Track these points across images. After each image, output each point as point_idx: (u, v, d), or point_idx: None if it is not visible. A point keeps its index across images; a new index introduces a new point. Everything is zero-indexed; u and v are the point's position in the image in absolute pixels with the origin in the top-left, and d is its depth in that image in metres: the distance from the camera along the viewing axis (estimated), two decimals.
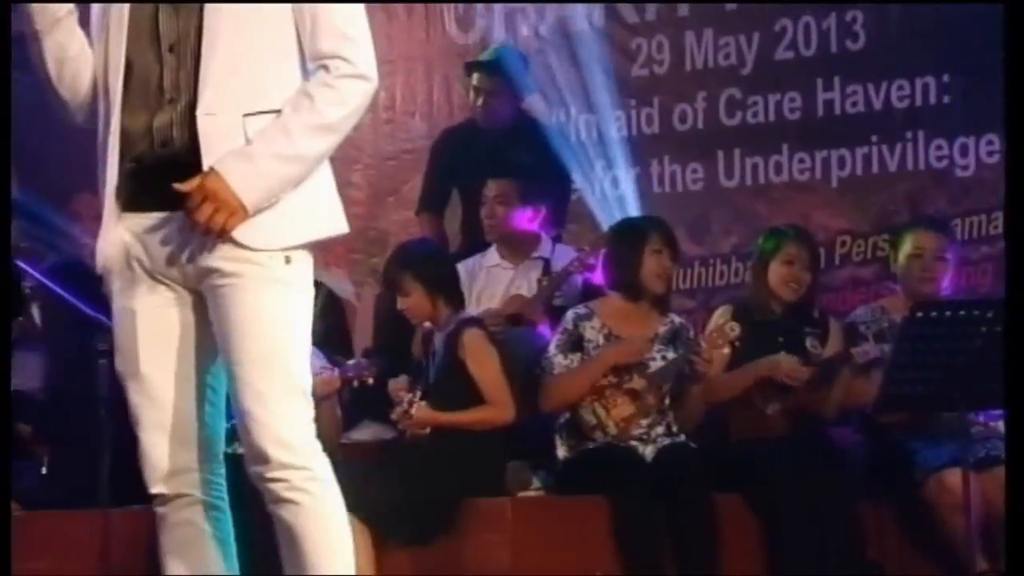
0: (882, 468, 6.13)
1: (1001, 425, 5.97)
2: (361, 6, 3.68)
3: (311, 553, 3.57)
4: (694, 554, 5.84)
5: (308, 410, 3.62)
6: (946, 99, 7.13)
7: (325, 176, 3.69)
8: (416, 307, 6.18)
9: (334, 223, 3.70)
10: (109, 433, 6.17)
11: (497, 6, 8.23)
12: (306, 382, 3.64)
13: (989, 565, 5.74)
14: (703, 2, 7.64)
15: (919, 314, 5.70)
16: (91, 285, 5.94)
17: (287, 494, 3.54)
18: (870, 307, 6.41)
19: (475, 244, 7.13)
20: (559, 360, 6.18)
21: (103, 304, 5.88)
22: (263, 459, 3.53)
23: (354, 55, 3.61)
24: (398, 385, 6.12)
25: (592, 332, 6.19)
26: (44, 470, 6.94)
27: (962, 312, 5.67)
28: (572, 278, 6.83)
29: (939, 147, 7.16)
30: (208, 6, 3.58)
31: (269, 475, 3.54)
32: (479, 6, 8.26)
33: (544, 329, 6.60)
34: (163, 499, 3.67)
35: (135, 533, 6.00)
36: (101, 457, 6.10)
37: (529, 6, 8.09)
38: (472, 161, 7.26)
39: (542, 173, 7.25)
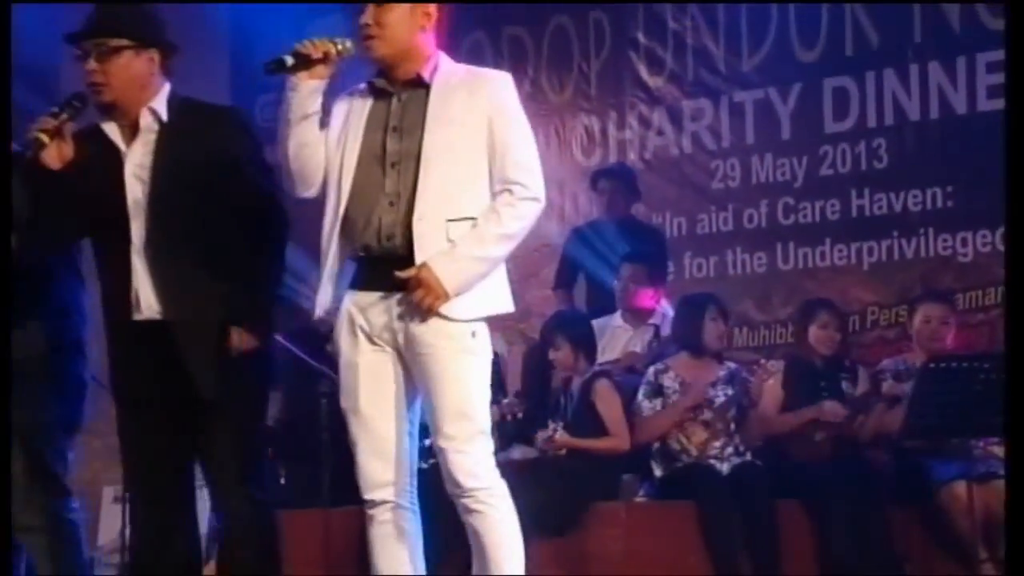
0: (905, 481, 6.02)
1: (996, 447, 5.94)
2: (533, 142, 3.73)
3: (491, 547, 3.62)
4: (761, 545, 5.79)
5: (488, 445, 3.65)
6: (950, 204, 7.00)
7: (501, 268, 3.74)
8: (563, 359, 6.21)
9: (505, 303, 3.74)
10: (329, 453, 6.29)
11: (612, 138, 8.14)
12: (486, 424, 3.66)
13: (988, 554, 5.70)
14: None
15: (932, 365, 5.70)
16: (316, 345, 6.13)
17: (474, 506, 3.60)
18: (893, 359, 6.40)
19: (598, 311, 7.07)
20: (645, 404, 6.18)
21: (324, 359, 6.06)
22: (456, 485, 3.59)
23: (530, 181, 3.66)
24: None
25: (669, 381, 6.18)
26: (282, 480, 6.98)
27: (964, 364, 5.65)
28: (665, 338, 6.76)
29: (945, 240, 7.03)
30: (426, 136, 3.62)
31: (461, 495, 3.60)
32: (598, 138, 8.19)
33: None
34: (372, 504, 3.72)
35: (348, 526, 6.05)
36: (323, 470, 6.22)
37: (636, 138, 8.03)
38: (591, 250, 7.33)
39: (657, 261, 7.22)
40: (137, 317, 3.94)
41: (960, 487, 5.68)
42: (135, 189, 3.90)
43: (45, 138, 3.81)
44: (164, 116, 3.94)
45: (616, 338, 6.88)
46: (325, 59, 3.65)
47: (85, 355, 4.37)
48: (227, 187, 3.92)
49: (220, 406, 3.94)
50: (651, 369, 6.31)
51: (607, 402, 6.11)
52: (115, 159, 3.92)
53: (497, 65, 7.57)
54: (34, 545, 4.19)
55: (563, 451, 6.02)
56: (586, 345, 6.28)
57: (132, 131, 3.93)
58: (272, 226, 4.02)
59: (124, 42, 3.89)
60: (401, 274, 3.57)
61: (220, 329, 3.94)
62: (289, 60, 3.63)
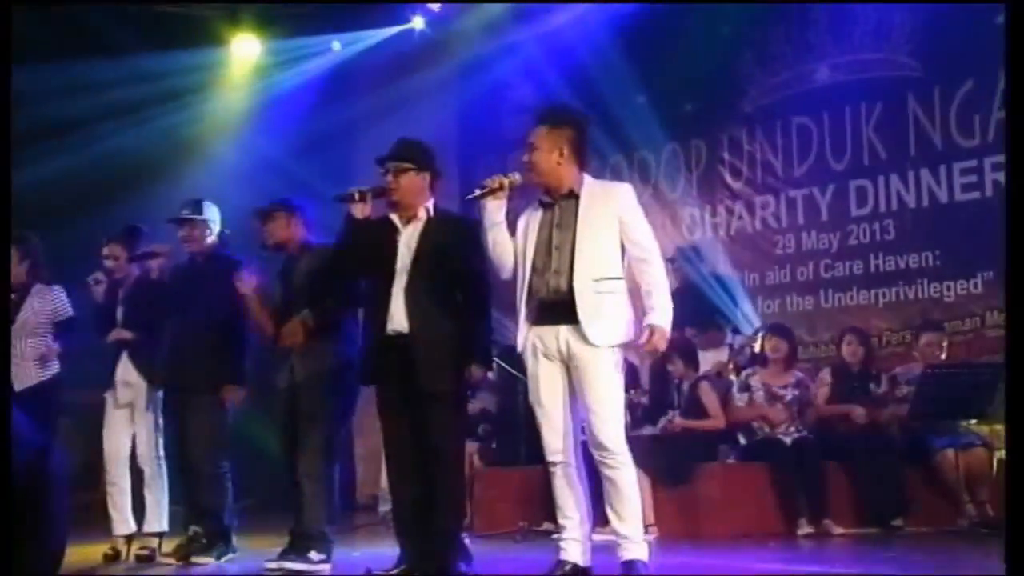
0: (911, 449, 5.89)
1: (974, 425, 5.85)
2: (648, 225, 3.73)
3: (622, 492, 3.62)
4: (814, 493, 5.69)
5: (621, 424, 3.66)
6: (938, 263, 6.95)
7: (630, 312, 3.70)
8: (677, 369, 6.19)
9: (630, 334, 3.68)
10: (523, 430, 6.32)
11: (707, 222, 7.95)
12: (621, 411, 3.69)
13: (970, 497, 5.64)
14: None
15: (928, 371, 5.73)
16: (514, 359, 6.20)
17: (611, 462, 3.62)
18: (901, 367, 6.27)
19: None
20: (736, 395, 6.11)
21: (520, 370, 6.16)
22: (602, 448, 3.62)
23: (655, 251, 3.73)
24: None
25: (755, 382, 6.07)
26: (494, 446, 6.83)
27: (951, 370, 5.70)
28: (744, 351, 6.74)
29: (935, 287, 6.96)
30: (578, 229, 3.69)
31: (604, 456, 3.62)
32: (699, 221, 8.00)
33: (732, 379, 6.46)
34: (551, 464, 3.74)
35: (536, 479, 6.05)
36: (519, 441, 6.36)
37: (724, 222, 7.85)
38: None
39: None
40: (388, 331, 4.01)
41: (950, 453, 5.68)
42: (404, 254, 4.05)
43: (356, 195, 4.02)
44: (432, 213, 4.13)
45: (705, 357, 6.78)
46: (501, 188, 3.71)
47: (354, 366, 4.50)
48: (456, 262, 4.04)
49: (442, 399, 3.93)
50: (743, 372, 6.30)
51: (708, 396, 6.14)
52: (394, 234, 4.11)
53: (630, 178, 7.74)
54: (314, 492, 4.46)
55: (678, 430, 6.06)
56: (692, 360, 6.32)
57: (408, 220, 4.12)
58: (483, 293, 4.05)
59: (409, 165, 4.07)
60: (641, 336, 3.62)
61: (446, 343, 3.93)
62: (477, 191, 3.74)
